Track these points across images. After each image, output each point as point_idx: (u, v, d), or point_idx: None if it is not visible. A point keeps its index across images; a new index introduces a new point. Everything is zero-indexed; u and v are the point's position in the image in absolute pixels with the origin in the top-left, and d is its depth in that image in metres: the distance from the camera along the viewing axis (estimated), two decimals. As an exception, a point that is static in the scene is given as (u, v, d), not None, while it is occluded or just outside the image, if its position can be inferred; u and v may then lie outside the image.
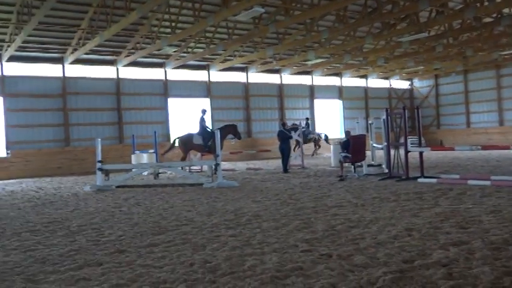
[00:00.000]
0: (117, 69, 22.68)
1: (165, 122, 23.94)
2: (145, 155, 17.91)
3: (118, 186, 12.65)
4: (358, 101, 32.14)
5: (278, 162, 17.37)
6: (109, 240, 5.86)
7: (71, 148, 21.09)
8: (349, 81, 31.89)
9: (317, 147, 24.78)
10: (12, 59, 19.79)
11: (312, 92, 29.79)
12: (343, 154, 12.76)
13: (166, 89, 24.06)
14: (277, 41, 21.68)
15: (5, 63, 20.00)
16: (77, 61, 21.11)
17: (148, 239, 5.85)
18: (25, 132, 20.35)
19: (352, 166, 13.13)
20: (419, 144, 12.22)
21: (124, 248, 5.39)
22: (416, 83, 35.09)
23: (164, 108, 24.00)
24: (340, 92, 31.33)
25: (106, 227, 6.79)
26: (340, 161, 12.72)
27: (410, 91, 35.37)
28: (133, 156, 18.19)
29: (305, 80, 29.66)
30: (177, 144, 16.58)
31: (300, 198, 8.92)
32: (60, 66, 21.29)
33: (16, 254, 5.31)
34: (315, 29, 20.23)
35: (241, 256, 4.81)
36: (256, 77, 27.43)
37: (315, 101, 29.88)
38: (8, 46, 18.75)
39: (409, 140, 11.99)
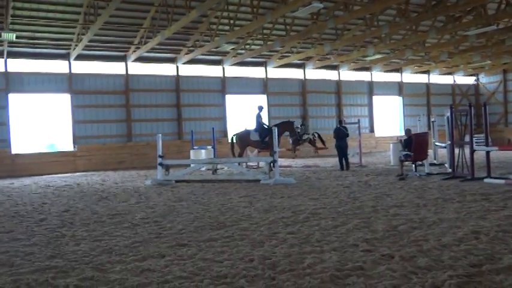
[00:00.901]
0: (177, 66, 23.23)
1: (222, 119, 24.27)
2: (203, 151, 18.23)
3: (177, 181, 12.96)
4: (419, 98, 31.09)
5: (335, 160, 17.14)
6: (170, 234, 6.02)
7: (132, 143, 21.87)
8: (410, 77, 30.90)
9: (314, 147, 22.96)
10: (79, 57, 20.74)
11: (370, 88, 29.15)
12: (404, 152, 12.40)
13: (224, 86, 24.36)
14: (336, 37, 21.37)
15: (72, 62, 21.01)
16: (139, 59, 21.81)
17: (208, 233, 5.96)
18: (90, 128, 21.32)
19: (413, 165, 12.73)
20: (486, 144, 11.63)
21: (185, 241, 5.52)
22: (483, 78, 33.44)
23: (222, 104, 24.33)
24: (400, 89, 30.44)
25: (167, 221, 6.98)
26: (400, 160, 12.36)
27: (476, 87, 33.78)
28: (191, 152, 18.59)
29: (364, 76, 29.07)
30: (234, 140, 16.77)
31: (359, 197, 8.76)
32: (123, 64, 22.09)
33: (85, 244, 5.58)
34: (374, 24, 19.76)
35: (300, 254, 4.80)
36: (313, 73, 27.20)
37: (374, 97, 29.21)
38: (76, 45, 19.68)
39: (474, 139, 11.47)
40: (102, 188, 12.41)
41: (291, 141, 21.07)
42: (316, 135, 22.40)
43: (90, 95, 21.33)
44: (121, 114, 21.93)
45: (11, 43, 18.53)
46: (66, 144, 21.25)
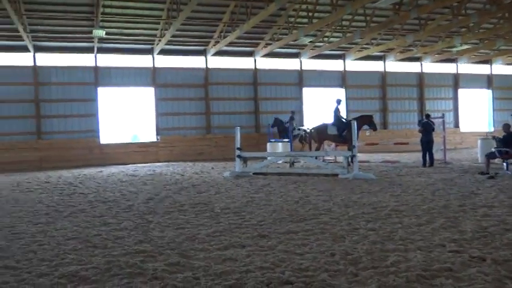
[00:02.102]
0: (255, 60, 23.45)
1: (299, 112, 24.18)
2: (280, 144, 18.30)
3: (255, 173, 13.12)
4: (511, 91, 28.99)
5: (416, 156, 16.49)
6: (250, 225, 6.10)
7: (211, 135, 22.44)
8: (501, 68, 28.89)
9: (304, 144, 20.53)
10: (161, 52, 21.59)
11: (456, 81, 27.66)
12: (497, 149, 11.61)
13: (301, 79, 24.26)
14: (419, 27, 20.47)
15: (156, 57, 21.92)
16: (218, 53, 22.28)
17: (287, 226, 5.96)
18: (172, 120, 22.17)
19: (504, 163, 11.91)
20: None
21: (265, 233, 5.57)
22: None
23: (299, 98, 24.24)
24: (489, 81, 28.60)
25: (246, 212, 7.08)
26: (486, 157, 11.61)
27: None
28: (268, 145, 18.74)
29: (448, 68, 27.63)
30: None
31: (444, 195, 8.34)
32: (203, 58, 22.68)
33: (170, 231, 5.81)
34: (462, 12, 18.66)
35: (383, 251, 4.66)
36: (394, 65, 26.29)
37: (459, 90, 27.69)
38: (159, 41, 20.50)
39: None
40: (182, 178, 12.86)
41: (279, 137, 20.53)
42: (309, 131, 21.14)
43: (172, 88, 22.16)
44: (200, 107, 22.58)
45: (101, 39, 19.67)
46: (149, 135, 22.29)
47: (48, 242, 5.39)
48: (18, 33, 17.74)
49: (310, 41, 21.49)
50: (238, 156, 13.20)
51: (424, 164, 14.41)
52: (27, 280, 3.97)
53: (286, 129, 20.35)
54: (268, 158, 14.70)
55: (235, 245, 5.00)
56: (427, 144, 14.50)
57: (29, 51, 19.85)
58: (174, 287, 3.71)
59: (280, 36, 20.98)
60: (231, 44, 21.01)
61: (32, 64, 20.23)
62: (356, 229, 5.71)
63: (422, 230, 5.54)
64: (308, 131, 19.94)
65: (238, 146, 13.35)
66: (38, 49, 20.21)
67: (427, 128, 14.69)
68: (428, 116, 15.91)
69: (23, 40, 18.53)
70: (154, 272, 4.08)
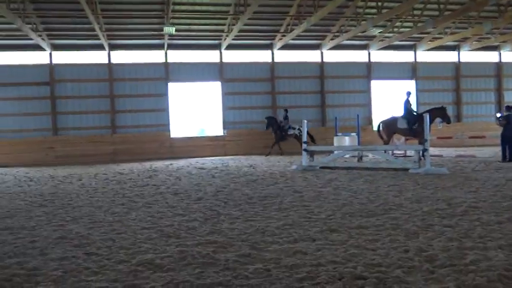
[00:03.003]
0: (321, 52, 23.17)
1: (367, 105, 23.66)
2: (347, 138, 18.00)
3: (322, 167, 12.99)
4: None
5: (493, 150, 15.60)
6: (319, 218, 6.05)
7: (277, 129, 22.48)
8: None
9: (301, 144, 20.13)
10: (229, 47, 21.90)
11: (539, 70, 25.80)
12: None
13: (369, 71, 23.69)
14: (498, 14, 19.27)
15: (223, 51, 22.26)
16: (284, 46, 22.24)
17: (357, 220, 5.85)
18: (239, 114, 22.47)
19: None
20: None
21: (334, 227, 5.49)
22: None
23: (367, 90, 23.70)
24: None
25: (315, 206, 7.02)
26: None
27: None
28: (335, 139, 18.49)
29: (531, 57, 25.85)
30: (381, 128, 16.23)
31: (527, 192, 7.82)
32: (269, 52, 22.74)
33: (239, 223, 5.89)
34: (547, -4, 17.37)
35: (461, 249, 4.44)
36: (468, 55, 24.97)
37: (542, 80, 25.82)
38: (226, 36, 20.80)
39: None
40: (250, 171, 13.00)
41: (274, 136, 19.91)
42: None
43: (239, 83, 22.43)
44: (267, 101, 22.69)
45: (171, 36, 20.27)
46: (216, 129, 22.73)
47: (124, 230, 5.65)
48: (94, 32, 18.71)
49: (379, 32, 20.90)
50: (305, 149, 13.13)
51: (504, 159, 13.59)
52: (107, 266, 4.18)
53: (281, 127, 20.21)
54: (335, 151, 14.50)
55: (305, 239, 4.97)
56: (508, 138, 13.63)
57: (105, 49, 20.86)
58: (246, 278, 3.76)
59: (348, 27, 20.58)
60: (297, 37, 20.90)
61: (107, 62, 21.26)
62: (430, 225, 5.48)
63: (503, 228, 5.23)
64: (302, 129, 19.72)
65: (305, 140, 13.27)
66: (112, 47, 21.20)
67: (510, 120, 13.79)
68: (509, 108, 14.92)
69: (99, 39, 19.51)
70: (226, 262, 4.15)
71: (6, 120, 20.53)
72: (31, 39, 18.60)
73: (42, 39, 19.53)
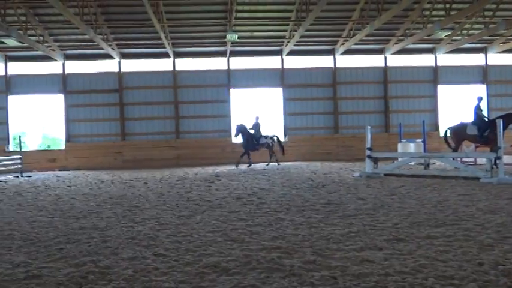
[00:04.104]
0: (385, 57, 22.65)
1: (433, 111, 22.80)
2: (412, 145, 17.41)
3: (386, 174, 12.65)
4: None
5: None
6: (385, 227, 5.87)
7: (339, 135, 22.21)
8: None
9: (272, 154, 18.98)
10: (290, 53, 21.92)
11: None
12: None
13: (436, 75, 22.84)
14: None
15: (284, 57, 22.31)
16: (346, 52, 21.94)
17: (426, 230, 5.62)
18: (300, 119, 22.41)
19: None
20: None
21: (402, 236, 5.31)
22: None
23: (433, 96, 22.86)
24: None
25: (380, 214, 6.84)
26: None
27: None
28: (399, 145, 17.93)
29: None
30: (448, 134, 15.57)
31: None
32: (331, 57, 22.52)
33: (303, 229, 5.84)
34: None
35: (543, 264, 4.15)
36: (546, 57, 23.45)
37: None
38: (288, 42, 20.83)
39: None
40: (311, 178, 12.89)
41: (243, 146, 18.44)
42: (276, 139, 18.88)
43: (300, 88, 22.38)
44: (328, 107, 22.47)
45: (233, 43, 20.59)
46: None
47: (190, 233, 5.77)
48: (160, 41, 19.38)
49: (447, 35, 20.11)
50: (369, 156, 12.84)
51: None
52: (175, 268, 4.28)
53: (252, 136, 18.51)
54: (400, 158, 14.06)
55: (372, 247, 4.85)
56: None
57: (169, 57, 21.55)
58: (312, 285, 3.71)
59: (413, 31, 19.98)
60: (360, 41, 20.56)
61: (172, 69, 21.94)
62: (506, 238, 5.17)
63: None
64: (275, 138, 18.90)
65: (369, 146, 12.99)
66: (177, 55, 21.86)
67: None
68: None
69: (165, 47, 20.18)
70: (291, 268, 4.13)
71: (78, 125, 21.71)
72: (102, 48, 19.59)
73: (112, 48, 20.49)
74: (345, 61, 22.81)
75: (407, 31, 20.34)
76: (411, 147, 17.38)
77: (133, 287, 3.77)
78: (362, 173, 12.84)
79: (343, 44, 21.40)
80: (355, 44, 20.68)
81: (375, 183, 11.09)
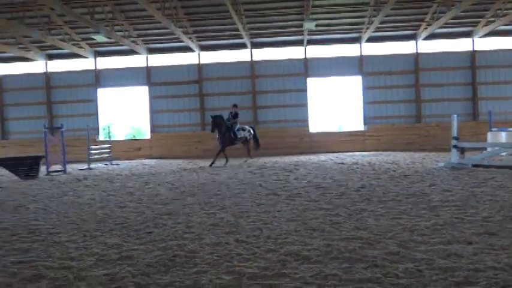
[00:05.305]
0: (473, 41, 21.30)
1: (527, 100, 21.15)
2: (503, 134, 16.30)
3: (474, 165, 11.94)
4: None
5: None
6: (474, 220, 5.57)
7: (421, 124, 21.30)
8: None
9: (248, 150, 17.02)
10: (369, 40, 21.29)
11: None
12: None
13: (529, 59, 21.13)
14: None
15: (363, 45, 21.72)
16: (430, 36, 20.90)
17: (522, 225, 5.26)
18: (379, 108, 21.73)
19: None
20: None
21: (493, 230, 5.01)
22: None
23: (528, 81, 21.20)
24: None
25: (468, 206, 6.49)
26: None
27: None
28: (489, 134, 16.87)
29: None
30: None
31: None
32: (413, 42, 21.58)
33: (385, 220, 5.69)
34: None
35: None
36: None
37: None
38: (367, 28, 20.23)
39: None
40: (392, 168, 12.51)
41: (219, 141, 15.72)
42: (252, 131, 16.57)
43: (380, 76, 21.71)
44: (410, 94, 21.61)
45: (310, 31, 20.38)
46: (356, 124, 22.34)
47: (271, 221, 5.84)
48: (238, 32, 19.65)
49: (544, 14, 18.49)
50: (455, 146, 12.19)
51: None
52: (257, 254, 4.36)
53: (230, 129, 15.96)
54: (490, 148, 13.22)
55: (460, 241, 4.62)
56: None
57: (247, 47, 21.80)
58: (396, 277, 3.62)
59: (505, 11, 18.57)
60: (444, 25, 19.48)
61: (249, 59, 22.18)
62: None
63: None
64: (252, 131, 16.66)
65: (455, 135, 12.33)
66: (254, 45, 22.05)
67: None
68: None
69: (242, 38, 20.43)
70: (374, 259, 4.05)
71: (161, 116, 22.67)
72: (182, 41, 20.22)
73: (192, 41, 21.10)
74: (428, 46, 21.75)
75: (498, 11, 18.95)
76: (503, 136, 16.28)
77: (217, 272, 3.89)
78: (447, 163, 12.21)
79: (426, 28, 20.38)
80: (440, 27, 19.62)
81: (461, 174, 10.52)
